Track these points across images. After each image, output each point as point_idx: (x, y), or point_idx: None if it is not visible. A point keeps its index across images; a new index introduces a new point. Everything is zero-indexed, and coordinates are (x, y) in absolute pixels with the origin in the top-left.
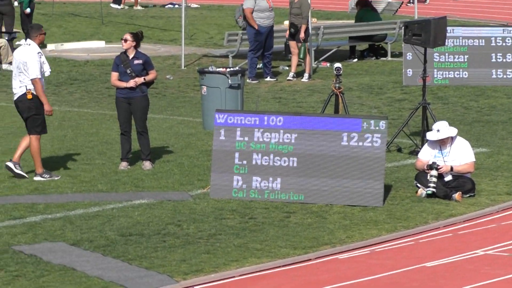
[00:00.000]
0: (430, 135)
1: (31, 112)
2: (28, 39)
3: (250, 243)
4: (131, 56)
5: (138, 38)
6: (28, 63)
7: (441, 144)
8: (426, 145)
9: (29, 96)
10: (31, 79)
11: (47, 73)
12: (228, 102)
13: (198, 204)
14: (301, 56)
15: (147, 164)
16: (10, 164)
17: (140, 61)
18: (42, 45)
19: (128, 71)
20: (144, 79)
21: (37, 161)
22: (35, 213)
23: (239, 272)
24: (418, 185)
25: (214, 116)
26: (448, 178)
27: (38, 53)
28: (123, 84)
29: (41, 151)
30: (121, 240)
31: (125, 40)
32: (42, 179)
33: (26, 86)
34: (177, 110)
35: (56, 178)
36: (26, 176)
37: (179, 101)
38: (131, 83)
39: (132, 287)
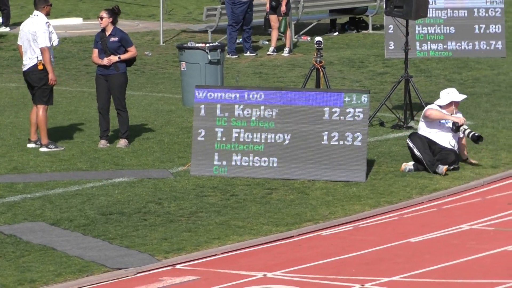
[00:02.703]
0: (455, 96)
1: (42, 82)
2: (35, 11)
3: (231, 221)
4: (108, 33)
5: (114, 13)
6: (37, 33)
7: (455, 107)
8: (437, 107)
9: (40, 67)
10: (40, 48)
11: (55, 43)
12: (207, 78)
13: (178, 182)
14: (282, 30)
15: (122, 142)
16: (43, 149)
17: (116, 39)
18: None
19: (104, 49)
20: (119, 57)
21: (43, 132)
22: (14, 192)
23: (221, 250)
24: (410, 144)
25: (193, 92)
26: (461, 135)
27: (46, 23)
28: (100, 62)
29: (36, 124)
30: (101, 219)
31: (101, 18)
32: (48, 149)
33: (37, 57)
34: (156, 87)
35: (61, 149)
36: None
37: (158, 77)
38: (105, 61)
39: (113, 266)
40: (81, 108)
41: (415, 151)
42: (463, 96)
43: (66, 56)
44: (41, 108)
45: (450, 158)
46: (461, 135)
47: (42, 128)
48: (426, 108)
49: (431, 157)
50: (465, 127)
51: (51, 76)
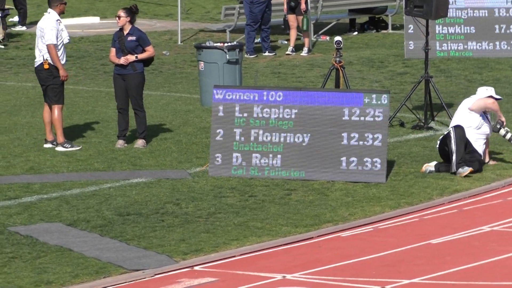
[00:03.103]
0: (493, 93)
1: (49, 81)
2: (49, 9)
3: (250, 222)
4: (126, 32)
5: (132, 12)
6: (45, 29)
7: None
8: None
9: (46, 66)
10: (46, 45)
11: (65, 40)
12: (226, 77)
13: (197, 182)
14: (305, 28)
15: (139, 143)
16: (59, 148)
17: (133, 38)
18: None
19: (122, 48)
20: (136, 56)
21: (59, 130)
22: (31, 193)
23: (240, 251)
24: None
25: (212, 92)
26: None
27: (57, 20)
28: (117, 61)
29: (51, 123)
30: (119, 220)
31: (119, 17)
32: (64, 149)
33: (43, 55)
34: (174, 87)
35: (77, 148)
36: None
37: (176, 77)
38: (122, 60)
39: (130, 268)
40: (98, 108)
41: (452, 142)
42: (500, 97)
43: (83, 55)
44: (55, 108)
45: (475, 166)
46: (503, 134)
47: (58, 127)
48: (480, 96)
49: (463, 156)
50: (507, 128)
51: (61, 72)
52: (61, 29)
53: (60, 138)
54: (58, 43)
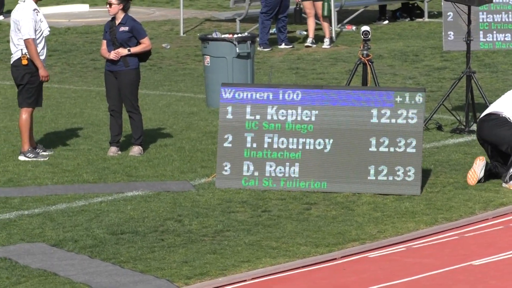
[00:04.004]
0: None
1: (24, 80)
2: None
3: (263, 241)
4: (118, 22)
5: None
6: (21, 22)
7: None
8: None
9: (24, 62)
10: (24, 40)
11: (45, 33)
12: (235, 74)
13: (202, 196)
14: (326, 13)
15: (135, 150)
16: (22, 157)
17: (126, 28)
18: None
19: (113, 40)
20: (129, 50)
21: (24, 137)
22: (9, 208)
23: (251, 275)
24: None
25: (219, 91)
26: None
27: (34, 10)
28: (107, 55)
29: (31, 126)
30: (112, 239)
31: (110, 4)
32: (26, 158)
33: (22, 49)
34: (175, 85)
35: (41, 160)
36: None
37: (178, 74)
38: (112, 54)
39: None
40: (88, 110)
41: None
42: None
43: (69, 49)
44: (24, 112)
45: None
46: None
47: (23, 132)
48: None
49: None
50: None
51: (41, 71)
52: (39, 20)
53: (25, 146)
54: (37, 37)
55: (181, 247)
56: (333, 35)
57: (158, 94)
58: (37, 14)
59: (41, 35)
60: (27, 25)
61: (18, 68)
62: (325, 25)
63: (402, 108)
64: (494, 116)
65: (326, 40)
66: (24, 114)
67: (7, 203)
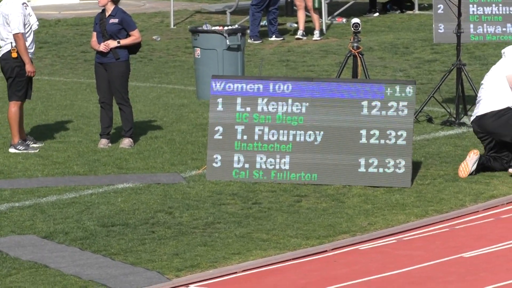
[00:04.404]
0: None
1: (14, 73)
2: None
3: (254, 233)
4: (108, 13)
5: None
6: (10, 16)
7: None
8: None
9: (14, 55)
10: (14, 34)
11: (34, 26)
12: (226, 66)
13: (192, 188)
14: (317, 5)
15: (125, 142)
16: (12, 149)
17: (115, 20)
18: None
19: (103, 32)
20: (118, 42)
21: (14, 129)
22: (0, 201)
23: (242, 267)
24: None
25: (209, 83)
26: None
27: (23, 4)
28: (97, 47)
29: (22, 119)
30: (102, 231)
31: None
32: (16, 151)
33: (11, 43)
34: (166, 77)
35: (32, 152)
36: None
37: (168, 66)
38: (101, 46)
39: (115, 287)
40: (78, 102)
41: None
42: None
43: (60, 41)
44: (13, 105)
45: None
46: None
47: (13, 125)
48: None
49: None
50: None
51: (28, 67)
52: (28, 14)
53: (15, 138)
54: (26, 31)
55: (171, 239)
56: (323, 27)
57: (148, 86)
58: (26, 8)
59: (30, 29)
60: (17, 19)
61: (7, 61)
62: (315, 17)
63: (392, 101)
64: (495, 111)
65: (316, 33)
66: (13, 107)
67: None
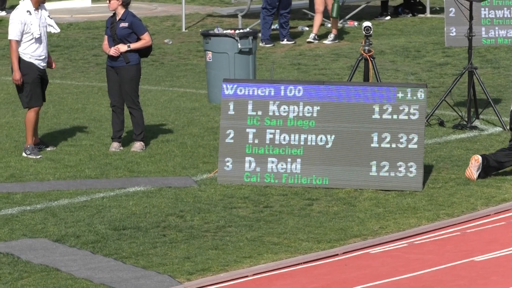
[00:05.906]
0: None
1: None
2: None
3: (265, 237)
4: (118, 17)
5: None
6: (10, 21)
7: None
8: None
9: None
10: (9, 40)
11: (35, 34)
12: (237, 70)
13: (203, 191)
14: (335, 15)
15: (137, 146)
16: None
17: (125, 24)
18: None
19: (113, 36)
20: (129, 46)
21: (28, 133)
22: (12, 204)
23: (253, 270)
24: None
25: (221, 87)
26: None
27: (27, 11)
28: (108, 51)
29: (37, 124)
30: (114, 235)
31: (109, 0)
32: (24, 154)
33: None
34: (177, 81)
35: (35, 157)
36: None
37: (180, 69)
38: (112, 51)
39: None
40: (90, 106)
41: None
42: None
43: (72, 44)
44: (31, 110)
45: None
46: None
47: (28, 129)
48: None
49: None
50: None
51: (14, 74)
52: (29, 23)
53: (28, 141)
54: (24, 39)
55: (183, 243)
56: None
57: (160, 90)
58: (29, 14)
59: (32, 37)
60: (13, 26)
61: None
62: (335, 20)
63: (404, 104)
64: None
65: (331, 36)
66: (29, 112)
67: (9, 198)
